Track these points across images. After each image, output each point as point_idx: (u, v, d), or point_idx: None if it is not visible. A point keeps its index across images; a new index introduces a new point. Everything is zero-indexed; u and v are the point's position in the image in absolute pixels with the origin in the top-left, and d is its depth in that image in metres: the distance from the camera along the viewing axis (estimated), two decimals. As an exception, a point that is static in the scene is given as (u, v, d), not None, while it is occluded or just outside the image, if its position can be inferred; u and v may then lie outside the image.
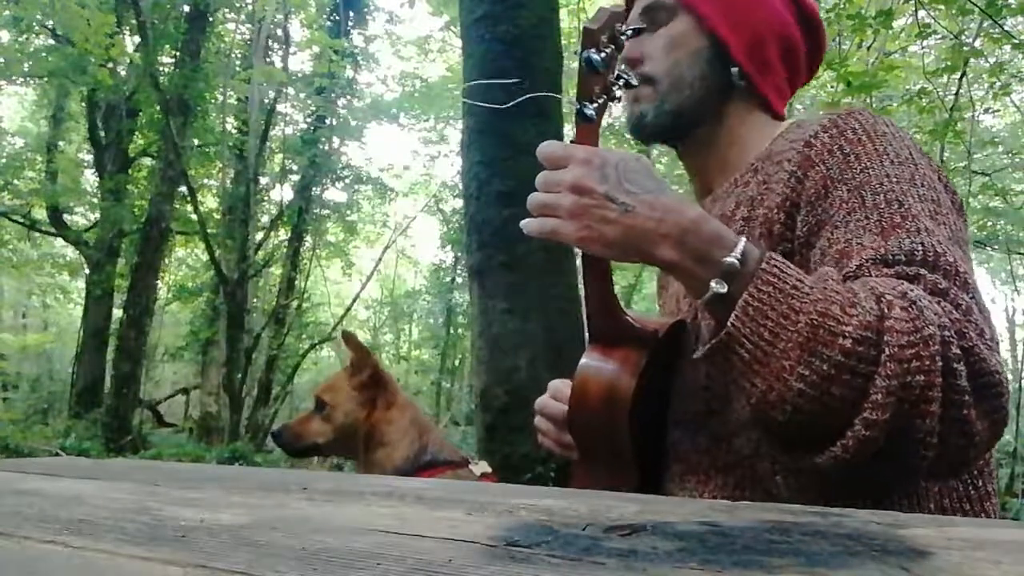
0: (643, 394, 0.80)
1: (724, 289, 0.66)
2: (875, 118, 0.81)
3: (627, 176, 0.69)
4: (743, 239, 0.68)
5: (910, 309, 0.62)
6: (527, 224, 0.72)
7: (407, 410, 1.79)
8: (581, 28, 0.76)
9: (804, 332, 0.62)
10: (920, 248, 0.69)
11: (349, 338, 1.89)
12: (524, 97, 0.91)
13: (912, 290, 0.64)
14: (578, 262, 0.92)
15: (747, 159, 0.92)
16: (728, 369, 0.69)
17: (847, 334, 0.61)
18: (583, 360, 0.84)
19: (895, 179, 0.74)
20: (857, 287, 0.65)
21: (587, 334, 0.87)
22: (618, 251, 0.70)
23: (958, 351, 0.61)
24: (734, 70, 0.92)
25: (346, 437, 1.82)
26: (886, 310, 0.62)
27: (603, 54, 0.75)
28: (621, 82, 0.80)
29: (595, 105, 0.77)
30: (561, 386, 0.96)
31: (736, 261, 0.66)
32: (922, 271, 0.67)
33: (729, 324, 0.66)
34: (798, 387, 0.62)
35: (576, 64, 0.77)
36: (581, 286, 0.85)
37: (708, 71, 0.92)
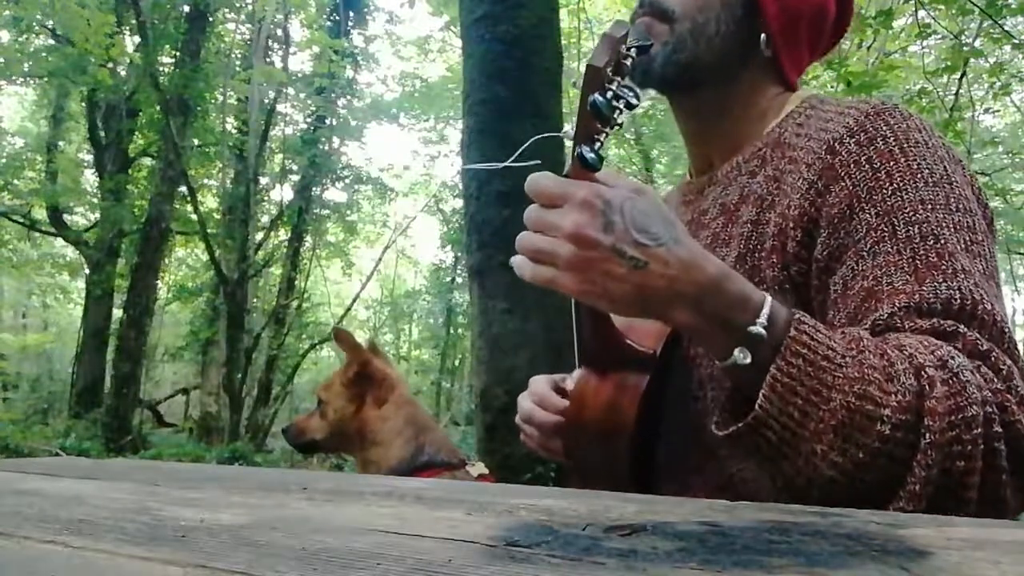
0: (641, 413, 0.77)
1: (748, 360, 0.60)
2: (907, 121, 0.73)
3: (635, 223, 0.59)
4: (768, 299, 0.61)
5: (951, 383, 0.57)
6: (519, 267, 0.63)
7: (403, 408, 1.77)
8: (584, 67, 0.67)
9: (839, 414, 0.57)
10: (958, 296, 0.64)
11: (340, 335, 1.89)
12: (525, 145, 0.81)
13: (953, 358, 0.59)
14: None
15: (754, 135, 0.85)
16: (753, 452, 0.63)
17: (886, 418, 0.57)
18: (579, 376, 0.80)
19: (930, 204, 0.68)
20: (894, 355, 0.59)
21: (578, 356, 0.81)
22: (625, 309, 0.62)
23: (999, 428, 0.58)
24: (763, 36, 0.84)
25: (340, 434, 1.83)
26: (927, 388, 0.57)
27: (609, 92, 0.67)
28: (623, 104, 0.70)
29: (597, 146, 0.69)
30: (543, 389, 0.90)
31: (762, 330, 0.60)
32: (960, 327, 0.63)
33: (756, 406, 0.60)
34: (830, 474, 0.58)
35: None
36: (573, 311, 0.79)
37: (735, 30, 0.83)
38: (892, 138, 0.72)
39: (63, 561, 0.41)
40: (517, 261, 0.63)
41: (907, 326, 0.64)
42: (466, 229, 3.66)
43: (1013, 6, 4.90)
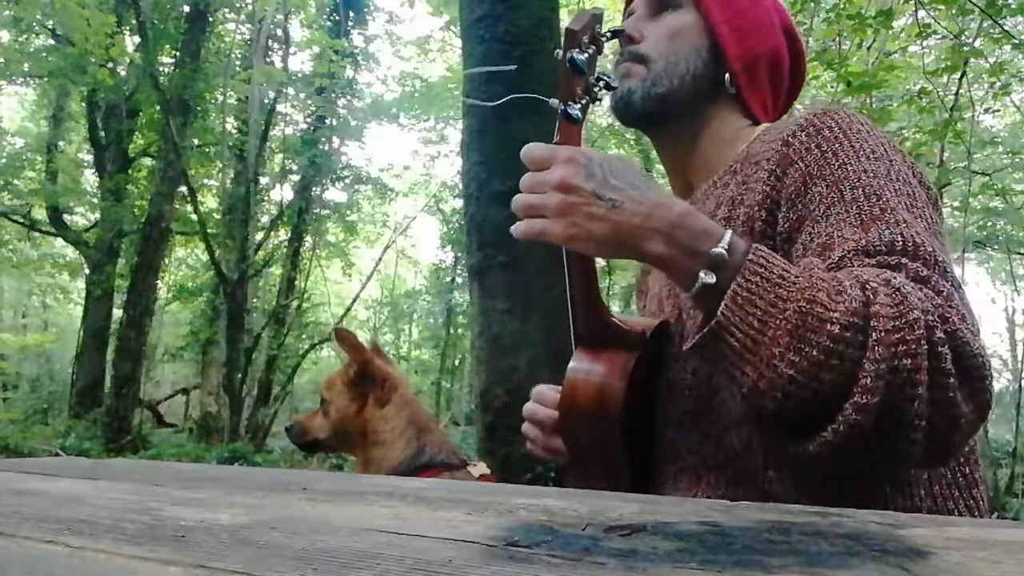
0: (632, 395, 0.80)
1: (713, 280, 0.68)
2: (850, 116, 0.83)
3: (613, 173, 0.71)
4: (729, 231, 0.70)
5: (894, 295, 0.63)
6: (515, 227, 0.73)
7: (404, 408, 1.77)
8: (563, 30, 0.77)
9: (792, 319, 0.63)
10: (900, 239, 0.70)
11: (341, 335, 1.89)
12: (509, 97, 0.95)
13: (895, 277, 0.65)
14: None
15: (727, 160, 0.94)
16: (718, 359, 0.69)
17: (835, 320, 0.62)
18: (572, 364, 0.84)
19: (872, 174, 0.76)
20: (842, 275, 0.66)
21: (572, 337, 0.86)
22: (607, 248, 0.71)
23: (942, 335, 0.63)
24: (727, 76, 0.95)
25: (342, 433, 1.83)
26: (871, 296, 0.63)
27: (586, 55, 0.76)
28: (602, 83, 0.81)
29: (579, 106, 0.78)
30: (547, 391, 0.96)
31: (724, 252, 0.68)
32: (903, 260, 0.69)
33: (719, 313, 0.67)
34: (788, 374, 0.63)
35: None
36: (567, 289, 0.85)
37: (703, 70, 0.95)
38: (837, 128, 0.81)
39: (63, 561, 0.41)
40: (514, 225, 0.73)
41: (855, 265, 0.70)
42: (466, 229, 3.66)
43: (1013, 6, 4.89)
